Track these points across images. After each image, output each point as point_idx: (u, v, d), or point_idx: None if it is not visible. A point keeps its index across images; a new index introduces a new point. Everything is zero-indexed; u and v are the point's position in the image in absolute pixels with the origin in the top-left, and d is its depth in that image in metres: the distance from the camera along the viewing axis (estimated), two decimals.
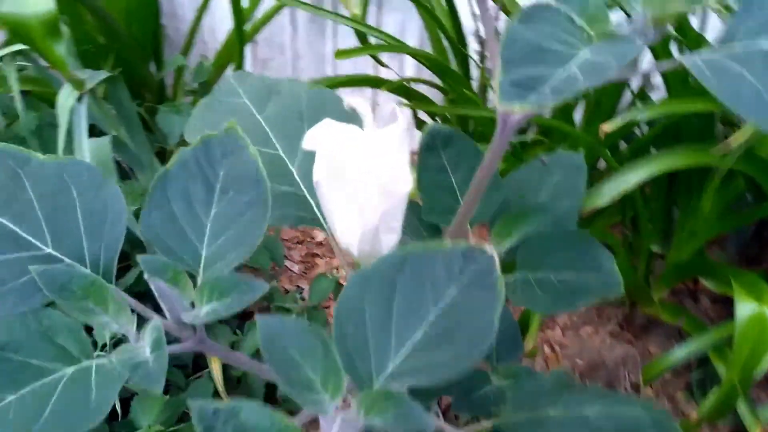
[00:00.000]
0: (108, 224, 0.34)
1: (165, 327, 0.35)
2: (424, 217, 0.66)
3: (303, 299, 1.30)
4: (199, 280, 0.35)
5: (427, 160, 0.66)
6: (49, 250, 0.33)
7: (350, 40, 1.29)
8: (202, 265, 0.35)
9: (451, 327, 0.30)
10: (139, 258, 0.33)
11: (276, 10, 1.29)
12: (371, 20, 1.44)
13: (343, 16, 1.06)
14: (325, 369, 0.30)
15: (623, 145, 1.28)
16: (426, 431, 0.28)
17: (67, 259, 0.33)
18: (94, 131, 1.08)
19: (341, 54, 0.99)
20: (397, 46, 1.09)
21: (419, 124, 1.34)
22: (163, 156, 1.28)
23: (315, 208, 0.55)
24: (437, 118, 1.33)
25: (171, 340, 0.36)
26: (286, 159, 0.59)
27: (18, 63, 0.96)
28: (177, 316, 0.33)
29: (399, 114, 0.36)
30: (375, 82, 1.23)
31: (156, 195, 0.35)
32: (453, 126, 1.34)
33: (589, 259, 0.62)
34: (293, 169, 0.58)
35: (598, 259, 0.61)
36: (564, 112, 1.18)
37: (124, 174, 1.13)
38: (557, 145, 1.17)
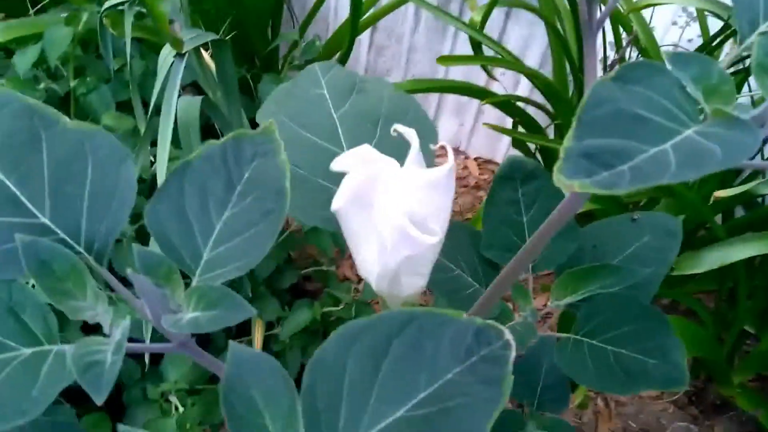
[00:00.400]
0: (113, 206, 0.32)
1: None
2: (483, 251, 0.61)
3: (357, 291, 1.27)
4: (193, 284, 0.33)
5: (498, 191, 0.61)
6: (45, 219, 0.31)
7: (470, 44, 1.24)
8: (200, 269, 0.33)
9: (435, 418, 0.25)
10: (135, 249, 0.31)
11: (398, 4, 1.25)
12: (495, 28, 1.38)
13: (462, 21, 1.00)
14: (285, 425, 0.26)
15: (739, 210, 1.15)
16: None
17: (61, 233, 0.31)
18: (198, 88, 1.10)
19: (444, 60, 0.94)
20: (510, 62, 1.02)
21: (515, 142, 1.27)
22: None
23: None
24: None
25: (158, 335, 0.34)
26: None
27: (137, 9, 0.98)
28: (157, 318, 0.30)
29: (450, 153, 0.31)
30: (481, 94, 1.17)
31: (171, 184, 0.33)
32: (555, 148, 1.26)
33: (656, 342, 0.54)
34: None
35: (665, 346, 0.54)
36: None
37: (214, 135, 1.14)
38: (661, 196, 1.06)
